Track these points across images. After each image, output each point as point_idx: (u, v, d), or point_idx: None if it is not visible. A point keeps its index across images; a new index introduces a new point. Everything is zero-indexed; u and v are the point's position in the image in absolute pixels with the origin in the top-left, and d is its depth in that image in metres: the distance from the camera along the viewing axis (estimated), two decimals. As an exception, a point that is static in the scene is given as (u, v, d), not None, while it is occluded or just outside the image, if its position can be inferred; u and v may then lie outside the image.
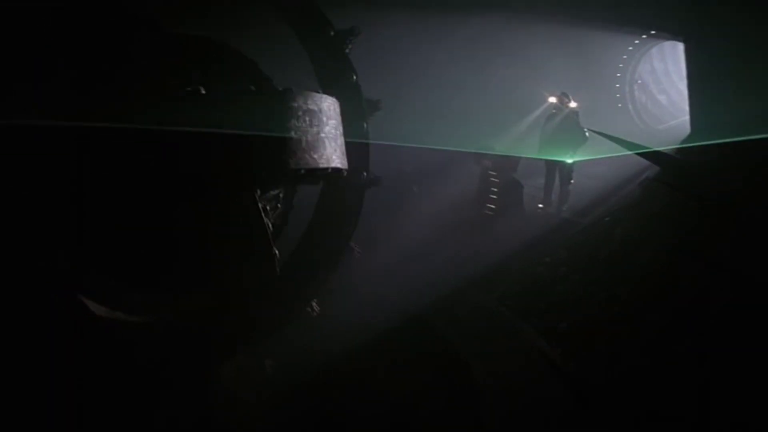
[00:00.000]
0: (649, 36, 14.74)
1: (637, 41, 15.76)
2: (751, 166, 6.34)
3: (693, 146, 7.45)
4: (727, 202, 5.99)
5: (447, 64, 10.81)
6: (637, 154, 7.33)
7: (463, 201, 9.74)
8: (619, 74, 17.13)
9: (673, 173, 6.90)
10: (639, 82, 17.89)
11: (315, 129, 4.28)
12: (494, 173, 9.31)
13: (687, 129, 14.31)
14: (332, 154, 4.47)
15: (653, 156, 7.16)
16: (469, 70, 11.52)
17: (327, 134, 4.44)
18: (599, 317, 6.30)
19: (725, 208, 6.02)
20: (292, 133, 4.09)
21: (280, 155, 4.04)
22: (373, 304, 6.89)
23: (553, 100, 9.48)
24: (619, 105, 17.39)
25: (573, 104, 9.23)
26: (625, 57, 16.71)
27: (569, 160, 9.27)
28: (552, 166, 9.71)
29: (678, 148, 8.52)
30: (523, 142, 10.53)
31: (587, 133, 9.22)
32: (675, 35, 9.96)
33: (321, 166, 4.34)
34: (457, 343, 6.24)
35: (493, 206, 9.43)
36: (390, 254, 7.93)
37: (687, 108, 19.17)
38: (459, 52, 11.02)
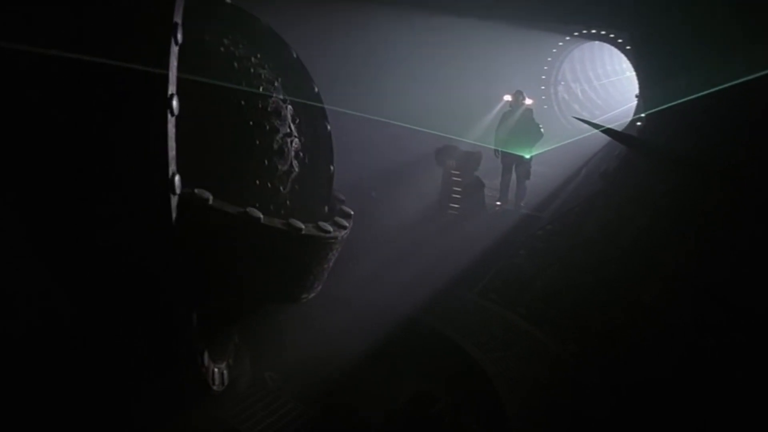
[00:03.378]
0: (573, 37, 15.46)
1: (561, 43, 16.50)
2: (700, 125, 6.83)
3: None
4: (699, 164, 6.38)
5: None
6: (603, 131, 8.06)
7: (425, 202, 9.79)
8: (544, 76, 17.86)
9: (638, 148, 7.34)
10: (563, 83, 18.70)
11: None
12: (457, 173, 9.44)
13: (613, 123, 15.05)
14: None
15: (616, 134, 7.75)
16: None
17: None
18: (589, 301, 6.49)
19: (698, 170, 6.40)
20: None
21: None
22: (363, 312, 6.78)
23: (508, 98, 9.74)
24: (545, 107, 18.07)
25: (528, 101, 9.53)
26: (549, 59, 17.44)
27: (527, 156, 9.54)
28: (509, 164, 9.96)
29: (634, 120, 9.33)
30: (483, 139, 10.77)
31: (542, 129, 9.54)
32: (618, 31, 10.50)
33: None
34: (455, 338, 6.25)
35: (457, 206, 9.54)
36: (365, 262, 7.85)
37: (610, 105, 20.12)
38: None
